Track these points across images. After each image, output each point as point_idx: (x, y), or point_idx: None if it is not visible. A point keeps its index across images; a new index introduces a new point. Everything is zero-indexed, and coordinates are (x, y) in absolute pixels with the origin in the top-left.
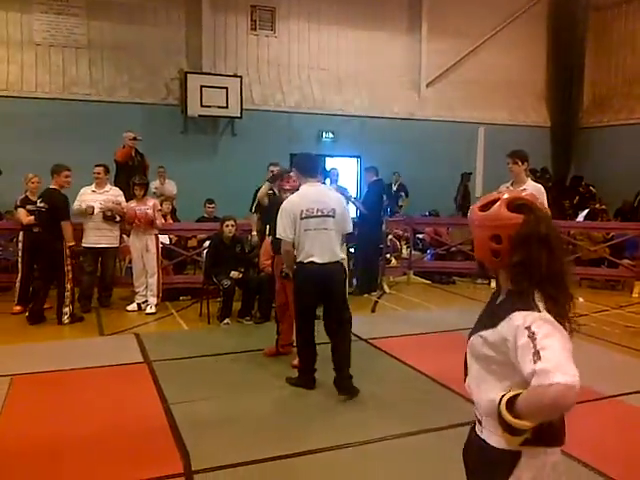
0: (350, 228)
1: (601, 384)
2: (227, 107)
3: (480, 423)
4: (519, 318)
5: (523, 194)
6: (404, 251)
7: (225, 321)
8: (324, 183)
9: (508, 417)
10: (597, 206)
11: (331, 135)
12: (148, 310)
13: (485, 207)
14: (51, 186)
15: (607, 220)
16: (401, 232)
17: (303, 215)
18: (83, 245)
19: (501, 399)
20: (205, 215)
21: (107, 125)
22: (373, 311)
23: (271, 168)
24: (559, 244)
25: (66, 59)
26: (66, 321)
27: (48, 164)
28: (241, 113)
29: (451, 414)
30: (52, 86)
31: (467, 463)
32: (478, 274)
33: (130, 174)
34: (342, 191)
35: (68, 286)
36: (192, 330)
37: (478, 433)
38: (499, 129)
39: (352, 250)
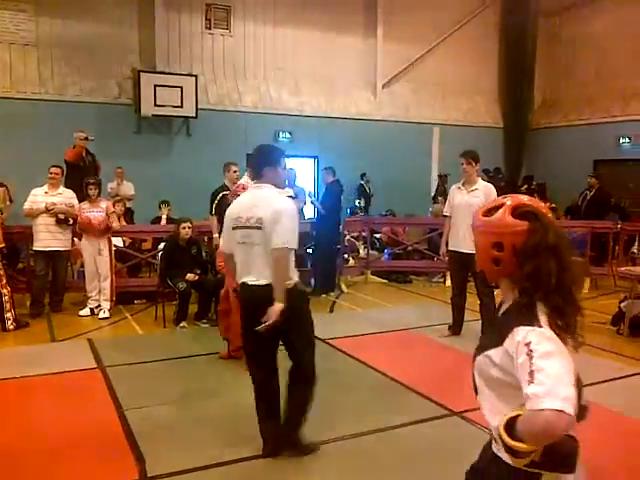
0: (277, 243)
1: None
2: (182, 107)
3: (495, 441)
4: (520, 334)
5: (526, 200)
6: (361, 251)
7: (181, 324)
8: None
9: (506, 439)
10: (547, 204)
11: (288, 135)
12: (101, 315)
13: (489, 212)
14: None
15: (557, 218)
16: (357, 233)
17: (233, 224)
18: (34, 248)
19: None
20: (161, 216)
21: (57, 125)
22: (331, 311)
23: (234, 168)
24: (568, 253)
25: (13, 56)
26: (11, 327)
27: None
28: (196, 113)
29: (405, 412)
30: None
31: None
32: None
33: (81, 175)
34: (299, 192)
35: (4, 291)
36: (147, 334)
37: (496, 452)
38: (453, 129)
39: (310, 250)
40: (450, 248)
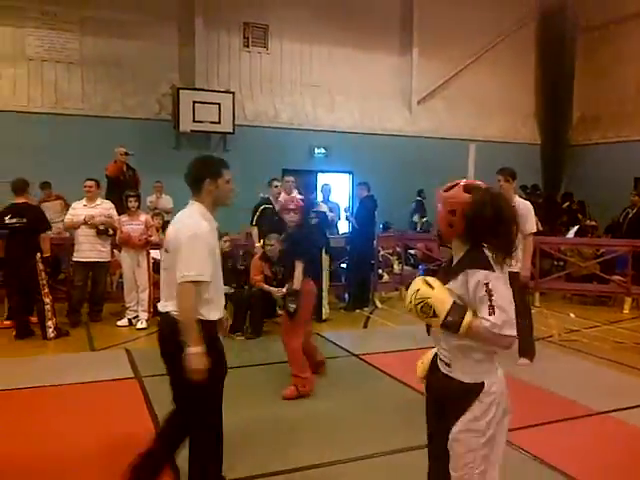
0: (178, 276)
1: (592, 400)
2: (219, 123)
3: (449, 365)
4: (480, 275)
5: (477, 182)
6: (396, 266)
7: None
8: (315, 201)
9: (465, 327)
10: (587, 222)
11: (323, 151)
12: (139, 325)
13: (448, 189)
14: (18, 201)
15: (597, 237)
16: (391, 249)
17: None
18: (74, 259)
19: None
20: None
21: (99, 140)
22: (365, 327)
23: (274, 183)
24: (501, 211)
25: (58, 74)
26: (51, 335)
27: (39, 179)
28: (233, 129)
29: None
30: (44, 101)
31: (435, 398)
32: (438, 243)
33: (122, 189)
34: (333, 207)
35: (47, 299)
36: None
37: (445, 372)
38: (489, 146)
39: (344, 265)
40: None
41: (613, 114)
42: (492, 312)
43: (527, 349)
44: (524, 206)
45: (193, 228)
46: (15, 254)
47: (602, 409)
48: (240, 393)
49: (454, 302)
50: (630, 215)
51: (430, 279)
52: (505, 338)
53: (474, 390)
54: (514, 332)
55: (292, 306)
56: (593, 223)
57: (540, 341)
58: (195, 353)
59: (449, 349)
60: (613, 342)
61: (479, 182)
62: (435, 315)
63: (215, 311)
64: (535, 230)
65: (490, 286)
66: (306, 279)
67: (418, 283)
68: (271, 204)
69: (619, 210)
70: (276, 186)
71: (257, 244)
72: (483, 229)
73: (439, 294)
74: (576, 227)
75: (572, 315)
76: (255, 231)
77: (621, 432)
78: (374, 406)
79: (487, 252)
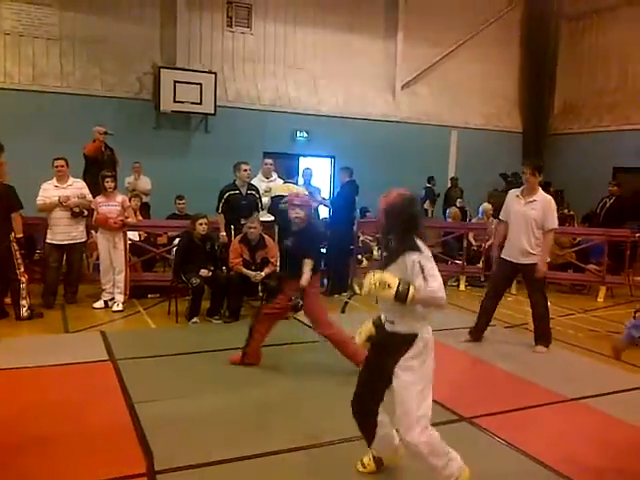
0: None
1: (565, 387)
2: (201, 103)
3: (393, 323)
4: (414, 256)
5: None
6: (375, 252)
7: (193, 320)
8: (296, 182)
9: (412, 293)
10: (565, 211)
11: (305, 134)
12: (115, 308)
13: (386, 196)
14: None
15: (574, 226)
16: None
17: None
18: (48, 241)
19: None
20: (176, 212)
21: (78, 118)
22: (343, 312)
23: (244, 167)
24: (416, 211)
25: (36, 50)
26: (25, 314)
27: (14, 157)
28: (215, 110)
29: None
30: (21, 77)
31: (379, 347)
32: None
33: (99, 169)
34: (313, 191)
35: (22, 279)
36: (160, 328)
37: (390, 329)
38: (472, 133)
39: (323, 250)
40: (502, 255)
41: (594, 104)
42: (426, 280)
43: (544, 336)
44: (547, 202)
45: None
46: None
47: (575, 395)
48: (219, 375)
49: (400, 278)
50: (608, 205)
51: (377, 270)
52: (439, 299)
53: (412, 338)
54: (444, 294)
55: (299, 302)
56: (571, 212)
57: (515, 328)
58: None
59: (394, 312)
60: (586, 330)
61: (404, 190)
62: (389, 288)
63: None
64: (556, 226)
65: (422, 263)
66: (314, 275)
67: (374, 272)
68: (238, 189)
69: (597, 200)
70: (245, 169)
71: (222, 232)
72: (394, 223)
73: (390, 275)
74: None
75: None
76: (221, 218)
77: (592, 418)
78: (343, 385)
79: (417, 240)
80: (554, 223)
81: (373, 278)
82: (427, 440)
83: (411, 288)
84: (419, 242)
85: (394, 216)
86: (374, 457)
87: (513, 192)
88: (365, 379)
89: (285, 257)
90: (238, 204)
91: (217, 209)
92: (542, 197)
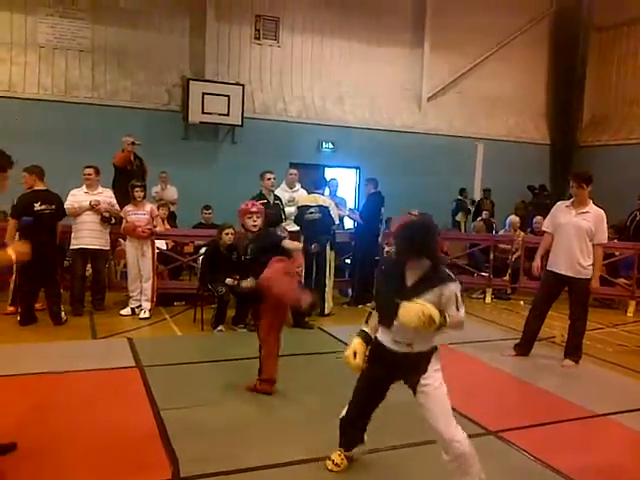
0: None
1: (593, 402)
2: (228, 115)
3: (410, 345)
4: (452, 287)
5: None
6: None
7: (219, 328)
8: (322, 193)
9: (440, 319)
10: None
11: (331, 145)
12: (142, 315)
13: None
14: (42, 188)
15: None
16: None
17: None
18: (72, 247)
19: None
20: (202, 221)
21: (108, 129)
22: (367, 322)
23: (267, 176)
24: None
25: (69, 62)
26: (64, 318)
27: (47, 166)
28: (242, 121)
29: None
30: (54, 89)
31: (393, 369)
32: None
33: (129, 178)
34: (339, 202)
35: (60, 285)
36: (185, 336)
37: (405, 351)
38: (498, 144)
39: (348, 261)
40: (548, 267)
41: (624, 115)
42: (458, 309)
43: (576, 351)
44: (599, 214)
45: None
46: (42, 240)
47: (603, 411)
48: (243, 384)
49: (440, 310)
50: (638, 218)
51: (419, 301)
52: (462, 324)
53: (431, 352)
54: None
55: (312, 301)
56: None
57: (543, 342)
58: None
59: (413, 335)
60: (616, 345)
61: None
62: (434, 322)
63: None
64: (605, 241)
65: (457, 294)
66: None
67: (418, 306)
68: (265, 198)
69: (627, 213)
70: (269, 178)
71: None
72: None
73: (433, 309)
74: None
75: None
76: None
77: (621, 435)
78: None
79: (443, 267)
80: (604, 238)
81: (423, 315)
82: (465, 436)
83: (448, 319)
84: (447, 270)
85: (405, 241)
86: (346, 456)
87: (561, 203)
88: (370, 397)
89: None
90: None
91: None
92: (594, 209)
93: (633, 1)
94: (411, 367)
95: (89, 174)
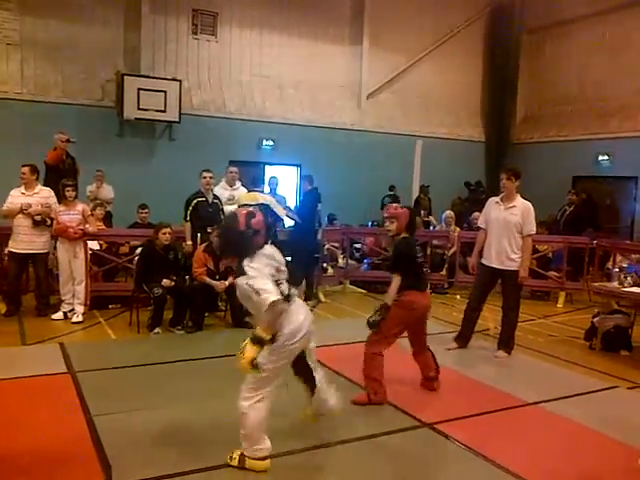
0: None
1: (524, 391)
2: (165, 111)
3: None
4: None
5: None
6: (340, 260)
7: (155, 330)
8: (262, 191)
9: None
10: None
11: (271, 143)
12: (74, 319)
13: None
14: None
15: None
16: (338, 243)
17: None
18: (10, 250)
19: None
20: (138, 221)
21: (39, 126)
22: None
23: (203, 174)
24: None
25: None
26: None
27: None
28: (179, 118)
29: (376, 423)
30: None
31: None
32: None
33: (60, 177)
34: (279, 200)
35: None
36: (120, 339)
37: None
38: (436, 142)
39: (288, 259)
40: (482, 261)
41: (554, 114)
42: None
43: (509, 342)
44: (526, 207)
45: None
46: None
47: (533, 400)
48: (180, 387)
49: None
50: (567, 213)
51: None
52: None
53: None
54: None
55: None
56: None
57: (478, 334)
58: None
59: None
60: (547, 335)
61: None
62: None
63: None
64: (534, 232)
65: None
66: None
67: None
68: (204, 197)
69: (557, 207)
70: (205, 177)
71: (188, 242)
72: None
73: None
74: None
75: None
76: (188, 227)
77: (551, 422)
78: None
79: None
80: (532, 229)
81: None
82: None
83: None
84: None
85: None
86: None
87: (492, 199)
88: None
89: None
90: (205, 212)
91: (185, 217)
92: (521, 202)
93: (562, 4)
94: None
95: (23, 173)
